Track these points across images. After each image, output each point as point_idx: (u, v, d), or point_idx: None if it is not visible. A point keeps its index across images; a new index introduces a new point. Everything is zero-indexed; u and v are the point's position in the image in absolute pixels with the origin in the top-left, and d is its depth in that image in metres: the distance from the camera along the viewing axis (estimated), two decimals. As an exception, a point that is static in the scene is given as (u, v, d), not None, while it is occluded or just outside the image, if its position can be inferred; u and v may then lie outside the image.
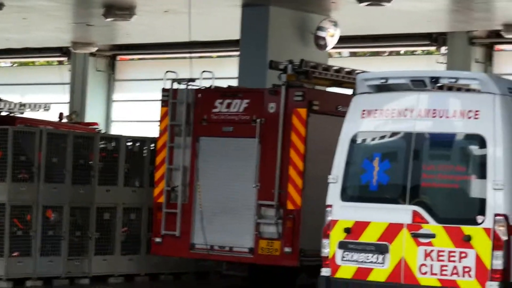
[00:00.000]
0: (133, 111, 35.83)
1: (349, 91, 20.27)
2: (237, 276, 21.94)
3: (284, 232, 19.31)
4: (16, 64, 39.42)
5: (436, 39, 30.64)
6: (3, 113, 27.12)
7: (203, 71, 21.27)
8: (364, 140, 14.32)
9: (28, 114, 28.26)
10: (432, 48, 31.23)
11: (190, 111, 20.55)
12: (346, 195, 14.17)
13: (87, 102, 35.80)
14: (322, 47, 23.26)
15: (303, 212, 19.29)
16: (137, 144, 23.05)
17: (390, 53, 33.77)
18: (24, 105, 29.48)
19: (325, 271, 14.15)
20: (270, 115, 19.69)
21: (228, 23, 27.47)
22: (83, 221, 21.41)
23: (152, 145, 22.63)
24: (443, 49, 30.58)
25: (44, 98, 33.47)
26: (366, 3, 23.54)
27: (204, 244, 20.18)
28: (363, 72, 15.15)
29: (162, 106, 20.93)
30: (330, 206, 14.31)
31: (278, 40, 25.01)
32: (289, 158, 19.40)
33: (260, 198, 19.64)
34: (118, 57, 37.20)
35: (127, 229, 22.22)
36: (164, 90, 21.05)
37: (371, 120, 14.26)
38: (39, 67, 39.01)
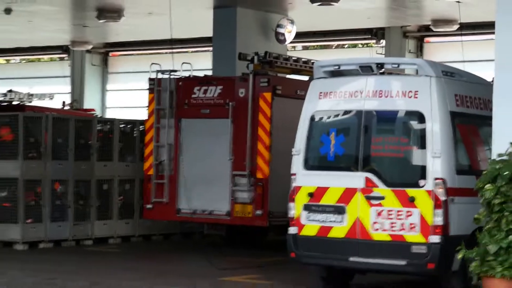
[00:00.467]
0: (124, 99, 35.51)
1: (305, 78, 20.65)
2: (216, 235, 21.84)
3: (255, 197, 19.36)
4: (24, 61, 39.32)
5: (375, 33, 30.66)
6: (15, 103, 27.02)
7: (183, 63, 21.20)
8: (321, 118, 14.27)
9: (35, 103, 28.14)
10: (372, 42, 31.16)
11: (172, 97, 20.49)
12: (308, 165, 14.11)
13: (85, 92, 35.69)
14: (282, 41, 23.37)
15: (270, 180, 19.28)
16: (129, 126, 23.16)
17: (337, 46, 33.61)
18: (32, 95, 29.44)
19: (292, 230, 14.07)
20: (240, 99, 19.65)
21: (202, 23, 27.29)
22: (85, 191, 21.29)
23: (141, 126, 22.47)
24: (382, 42, 30.53)
25: (49, 89, 33.24)
26: (318, 3, 23.43)
27: (188, 209, 20.23)
28: (319, 60, 14.93)
29: (149, 93, 20.84)
30: (294, 174, 14.25)
31: (245, 36, 24.94)
32: (257, 135, 19.35)
33: (234, 169, 19.63)
34: (110, 53, 37.10)
35: (122, 197, 22.28)
36: (150, 79, 20.99)
37: (327, 101, 14.25)
38: (43, 63, 38.95)
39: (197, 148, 20.14)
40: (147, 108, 20.95)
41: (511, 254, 10.85)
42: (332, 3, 23.38)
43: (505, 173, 10.83)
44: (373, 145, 13.66)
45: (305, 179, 14.07)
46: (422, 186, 12.91)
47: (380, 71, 13.92)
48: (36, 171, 20.60)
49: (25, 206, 20.37)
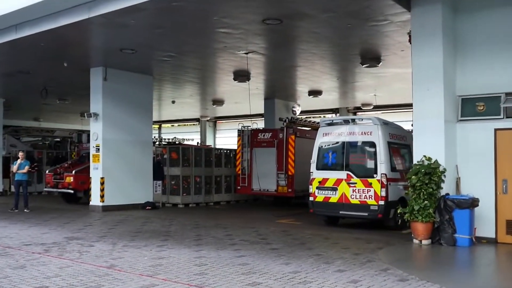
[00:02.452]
0: (223, 141, 34.93)
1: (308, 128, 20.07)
2: (268, 200, 21.47)
3: (287, 183, 18.79)
4: (178, 125, 38.65)
5: (334, 110, 29.84)
6: (176, 142, 26.78)
7: (253, 123, 20.87)
8: (324, 146, 13.91)
9: (186, 142, 27.89)
10: (333, 115, 30.17)
11: (248, 138, 19.96)
12: (318, 167, 13.94)
13: (206, 138, 35.38)
14: (294, 114, 22.40)
15: (295, 175, 18.70)
16: (228, 151, 22.21)
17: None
18: (184, 139, 29.38)
19: (311, 198, 14.02)
20: (280, 139, 19.21)
21: (258, 107, 26.81)
22: (210, 181, 20.99)
23: (231, 152, 22.06)
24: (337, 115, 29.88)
25: (191, 136, 32.78)
26: (312, 96, 22.96)
27: (257, 188, 19.66)
28: (322, 118, 14.57)
29: (238, 136, 20.32)
30: (311, 172, 14.05)
31: (279, 111, 24.50)
32: (288, 155, 18.88)
33: (278, 170, 19.05)
34: (217, 121, 36.63)
35: (226, 183, 21.75)
36: (239, 130, 20.45)
37: (327, 137, 14.16)
38: (188, 126, 38.25)
39: (260, 161, 19.54)
40: (237, 143, 20.35)
41: (425, 211, 10.47)
42: (317, 96, 23.01)
43: (422, 170, 10.57)
44: (350, 158, 13.52)
45: (317, 174, 13.90)
46: (375, 177, 12.69)
47: (352, 123, 13.68)
48: (187, 171, 20.16)
49: (183, 187, 19.95)
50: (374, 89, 22.15)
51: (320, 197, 13.56)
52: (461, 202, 10.24)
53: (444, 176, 10.57)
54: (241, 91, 22.82)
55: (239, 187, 20.24)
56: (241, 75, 19.00)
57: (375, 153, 12.88)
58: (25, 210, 17.41)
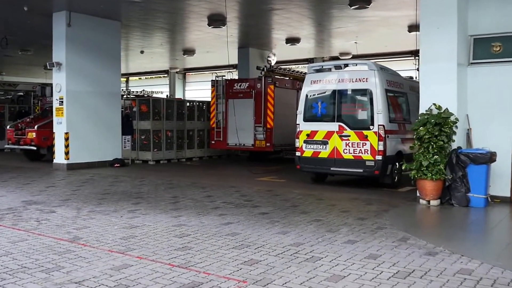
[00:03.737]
0: (192, 94, 32.97)
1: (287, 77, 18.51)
2: (244, 155, 19.81)
3: (266, 137, 17.22)
4: (146, 78, 36.33)
5: (309, 60, 28.02)
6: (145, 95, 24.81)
7: (228, 73, 19.11)
8: (312, 95, 12.17)
9: (155, 95, 25.95)
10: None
11: (223, 88, 18.17)
12: (306, 119, 12.24)
13: (176, 91, 33.40)
14: (270, 64, 20.47)
15: (274, 128, 17.13)
16: (200, 103, 20.35)
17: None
18: (153, 92, 27.52)
19: (297, 153, 12.38)
20: (258, 89, 17.50)
21: (231, 57, 24.97)
22: (182, 135, 19.19)
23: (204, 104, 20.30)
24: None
25: (159, 89, 30.74)
26: (289, 44, 21.20)
27: (232, 143, 18.08)
28: (311, 63, 12.89)
29: (212, 86, 18.55)
30: (298, 124, 12.37)
31: (254, 61, 22.65)
32: (267, 106, 17.22)
33: (255, 123, 17.43)
34: (187, 73, 34.41)
35: (199, 138, 19.94)
36: (212, 80, 18.70)
37: (315, 85, 12.34)
38: (156, 79, 36.14)
39: (236, 113, 17.88)
40: (211, 93, 18.52)
41: (435, 167, 8.88)
42: (295, 43, 21.27)
43: (432, 120, 8.95)
44: (343, 108, 11.84)
45: (304, 127, 12.25)
46: (372, 129, 11.14)
47: (345, 68, 12.02)
48: (158, 125, 18.31)
49: (153, 143, 18.14)
50: (356, 35, 20.43)
51: (308, 152, 11.97)
52: (477, 157, 8.78)
53: (456, 127, 9.11)
54: (213, 39, 20.93)
55: (213, 142, 18.56)
56: (216, 20, 17.03)
57: (371, 102, 11.23)
58: (-19, 169, 15.50)
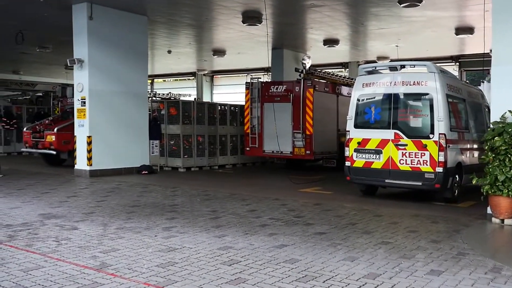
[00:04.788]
0: (220, 97, 31.95)
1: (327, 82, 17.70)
2: (280, 163, 18.82)
3: (305, 144, 16.11)
4: (170, 80, 35.49)
5: (345, 65, 27.06)
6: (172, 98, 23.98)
7: (264, 75, 18.18)
8: (364, 99, 11.09)
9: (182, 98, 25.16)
10: (342, 69, 27.29)
11: (259, 91, 17.14)
12: (357, 125, 11.10)
13: (203, 94, 32.52)
14: (304, 67, 19.24)
15: (313, 135, 16.03)
16: (233, 107, 19.34)
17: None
18: (180, 95, 26.69)
19: (347, 163, 11.25)
20: (296, 92, 16.42)
21: (263, 58, 24.08)
22: (214, 141, 18.14)
23: (237, 108, 19.38)
24: (347, 70, 26.93)
25: (185, 92, 30.02)
26: (327, 46, 20.19)
27: (269, 150, 17.04)
28: (363, 64, 11.73)
29: (246, 89, 17.49)
30: (348, 131, 11.18)
31: (288, 64, 21.71)
32: (305, 111, 16.14)
33: (293, 129, 16.34)
34: (214, 76, 33.58)
35: (232, 144, 18.86)
36: (247, 82, 17.68)
37: (368, 88, 11.16)
38: (181, 81, 35.47)
39: (272, 118, 16.81)
40: (245, 97, 17.53)
41: None
42: (334, 45, 20.25)
43: (509, 130, 7.92)
44: (400, 114, 10.70)
45: (355, 134, 11.12)
46: (432, 138, 10.00)
47: (402, 70, 10.82)
48: (189, 130, 17.34)
49: (184, 148, 17.17)
50: (398, 38, 19.36)
51: (359, 161, 10.86)
52: None
53: (536, 137, 7.96)
54: (246, 39, 20.03)
55: (248, 149, 17.54)
56: (252, 17, 16.10)
57: (431, 108, 10.09)
58: (-3, 175, 14.73)
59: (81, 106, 14.94)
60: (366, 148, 10.75)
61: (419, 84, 10.35)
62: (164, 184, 13.41)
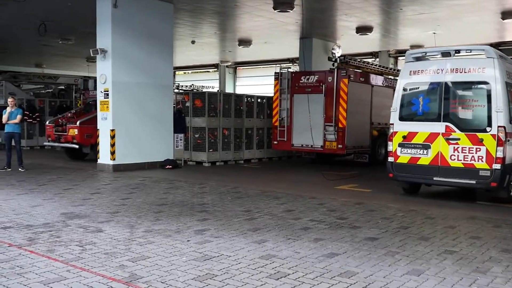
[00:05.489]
0: (243, 89, 31.20)
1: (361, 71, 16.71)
2: (308, 157, 17.90)
3: (338, 138, 15.22)
4: (191, 72, 34.68)
5: (375, 54, 26.03)
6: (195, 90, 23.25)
7: (293, 65, 17.41)
8: (411, 88, 10.10)
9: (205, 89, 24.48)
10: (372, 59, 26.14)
11: (288, 82, 16.29)
12: (402, 117, 10.12)
13: (226, 86, 31.56)
14: (329, 57, 18.29)
15: (346, 128, 15.14)
16: (259, 99, 18.46)
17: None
18: (203, 86, 25.98)
19: (390, 159, 10.32)
20: (329, 83, 15.52)
21: (290, 49, 23.35)
22: (239, 134, 17.36)
23: (264, 100, 18.54)
24: (377, 59, 25.87)
25: (207, 84, 29.27)
26: (360, 34, 19.27)
27: (298, 144, 16.25)
28: (410, 50, 10.75)
29: (275, 80, 16.67)
30: (392, 124, 10.25)
31: (317, 53, 20.80)
32: (339, 102, 15.27)
33: (325, 121, 15.48)
34: (237, 67, 32.68)
35: (258, 137, 18.03)
36: (276, 73, 16.78)
37: (416, 76, 10.13)
38: (203, 74, 34.80)
39: (303, 110, 15.99)
40: (273, 88, 16.67)
41: None
42: (367, 33, 19.29)
43: None
44: (451, 105, 9.70)
45: (400, 127, 10.15)
46: (489, 132, 9.04)
47: (456, 55, 9.83)
48: (214, 123, 16.53)
49: (209, 142, 16.40)
50: (438, 24, 18.26)
51: (403, 157, 9.96)
52: None
53: None
54: (274, 27, 19.18)
55: (275, 142, 16.75)
56: (283, 2, 15.26)
57: (489, 97, 9.14)
58: (19, 169, 14.09)
59: (104, 98, 14.25)
60: (412, 142, 9.85)
61: (475, 71, 9.35)
62: (190, 180, 12.67)
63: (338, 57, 16.16)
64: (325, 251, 6.01)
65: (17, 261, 5.49)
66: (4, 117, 14.19)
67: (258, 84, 29.22)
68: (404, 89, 10.19)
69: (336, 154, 16.39)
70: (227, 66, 31.65)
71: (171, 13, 15.68)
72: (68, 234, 6.72)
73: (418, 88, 10.03)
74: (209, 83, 30.52)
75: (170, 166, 14.99)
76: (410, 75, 10.16)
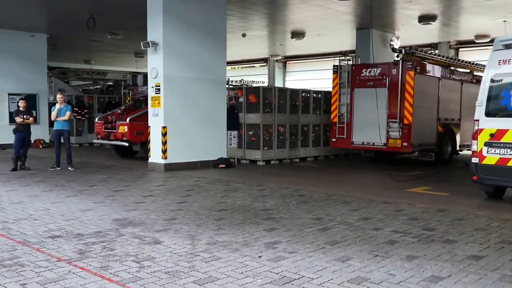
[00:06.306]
0: (293, 84, 29.93)
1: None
2: (366, 155, 16.76)
3: (403, 135, 14.07)
4: (238, 67, 33.74)
5: (434, 46, 24.49)
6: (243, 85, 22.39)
7: (353, 58, 16.40)
8: (501, 80, 8.89)
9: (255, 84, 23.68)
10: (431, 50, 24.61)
11: (348, 75, 15.24)
12: (489, 113, 8.89)
13: (275, 81, 30.60)
14: (393, 48, 17.12)
15: (412, 125, 13.96)
16: (315, 94, 17.41)
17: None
18: (253, 81, 25.09)
19: (474, 160, 9.12)
20: (393, 76, 14.41)
21: (346, 40, 22.28)
22: (295, 131, 16.47)
23: (319, 95, 17.47)
24: (436, 51, 24.29)
25: (257, 78, 28.42)
26: (423, 23, 18.02)
27: (359, 141, 15.20)
28: (499, 37, 9.50)
29: (333, 73, 15.63)
30: (477, 120, 9.06)
31: (375, 45, 19.57)
32: (404, 97, 14.13)
33: (389, 117, 14.38)
34: (287, 61, 31.64)
35: (314, 134, 16.99)
36: (334, 66, 15.76)
37: (507, 66, 8.85)
38: (250, 69, 34.06)
39: (364, 105, 14.98)
40: (332, 82, 15.66)
41: None
42: (430, 22, 18.01)
43: None
44: (550, 99, 8.43)
45: (486, 123, 8.95)
46: None
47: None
48: (269, 119, 15.63)
49: (263, 140, 15.51)
50: (510, 11, 16.81)
51: (491, 158, 8.80)
52: None
53: None
54: (331, 17, 18.11)
55: (334, 140, 15.73)
56: (343, -11, 14.30)
57: None
58: (68, 168, 13.57)
59: (155, 93, 13.55)
60: (501, 141, 8.68)
61: None
62: (247, 180, 11.81)
63: (403, 47, 14.95)
64: (424, 273, 5.01)
65: (67, 281, 4.71)
66: (53, 114, 13.67)
67: (309, 78, 28.20)
68: (492, 81, 9.01)
69: (396, 153, 15.30)
70: (276, 61, 30.70)
71: (223, 4, 14.87)
72: (122, 246, 5.94)
73: (509, 79, 8.87)
74: (256, 78, 29.67)
75: (223, 165, 14.20)
76: (499, 65, 8.95)
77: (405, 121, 14.13)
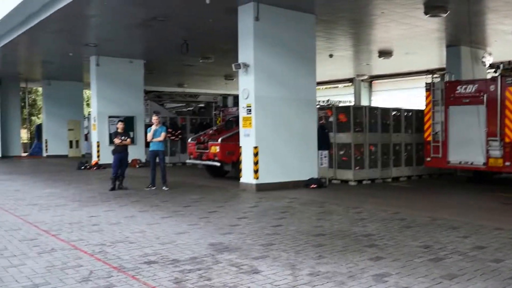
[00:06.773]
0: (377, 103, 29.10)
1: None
2: (463, 175, 15.46)
3: (505, 153, 12.76)
4: (322, 88, 32.77)
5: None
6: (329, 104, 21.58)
7: (446, 74, 15.27)
8: None
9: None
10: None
11: (442, 93, 14.10)
12: None
13: (361, 100, 29.63)
14: (484, 65, 15.85)
15: (515, 142, 12.62)
16: (406, 112, 16.38)
17: None
18: (340, 101, 24.14)
19: None
20: (491, 92, 13.11)
21: (433, 58, 21.04)
22: (387, 150, 15.52)
23: (409, 113, 16.38)
24: None
25: (342, 98, 27.53)
26: (518, 36, 16.64)
27: (455, 160, 13.94)
28: None
29: (426, 91, 14.56)
30: None
31: (465, 63, 18.26)
32: (505, 114, 12.80)
33: (488, 135, 13.09)
34: (373, 81, 30.57)
35: (406, 153, 15.89)
36: (427, 83, 14.73)
37: None
38: (335, 89, 33.20)
39: (460, 123, 13.79)
40: (425, 100, 14.58)
41: None
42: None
43: None
44: None
45: None
46: None
47: None
48: (360, 139, 14.78)
49: (355, 159, 14.65)
50: None
51: None
52: None
53: None
54: (419, 35, 17.03)
55: (428, 159, 14.55)
56: (436, 6, 13.21)
57: None
58: (163, 188, 13.36)
59: (247, 114, 13.10)
60: None
61: None
62: (341, 202, 10.99)
63: (501, 62, 13.67)
64: None
65: (163, 316, 4.18)
66: (149, 135, 13.55)
67: (395, 97, 26.97)
68: None
69: (496, 172, 13.92)
70: (362, 80, 29.67)
71: (312, 24, 14.26)
72: (219, 276, 5.35)
73: None
74: (341, 98, 28.77)
75: (315, 186, 13.45)
76: None
77: (507, 139, 12.78)
